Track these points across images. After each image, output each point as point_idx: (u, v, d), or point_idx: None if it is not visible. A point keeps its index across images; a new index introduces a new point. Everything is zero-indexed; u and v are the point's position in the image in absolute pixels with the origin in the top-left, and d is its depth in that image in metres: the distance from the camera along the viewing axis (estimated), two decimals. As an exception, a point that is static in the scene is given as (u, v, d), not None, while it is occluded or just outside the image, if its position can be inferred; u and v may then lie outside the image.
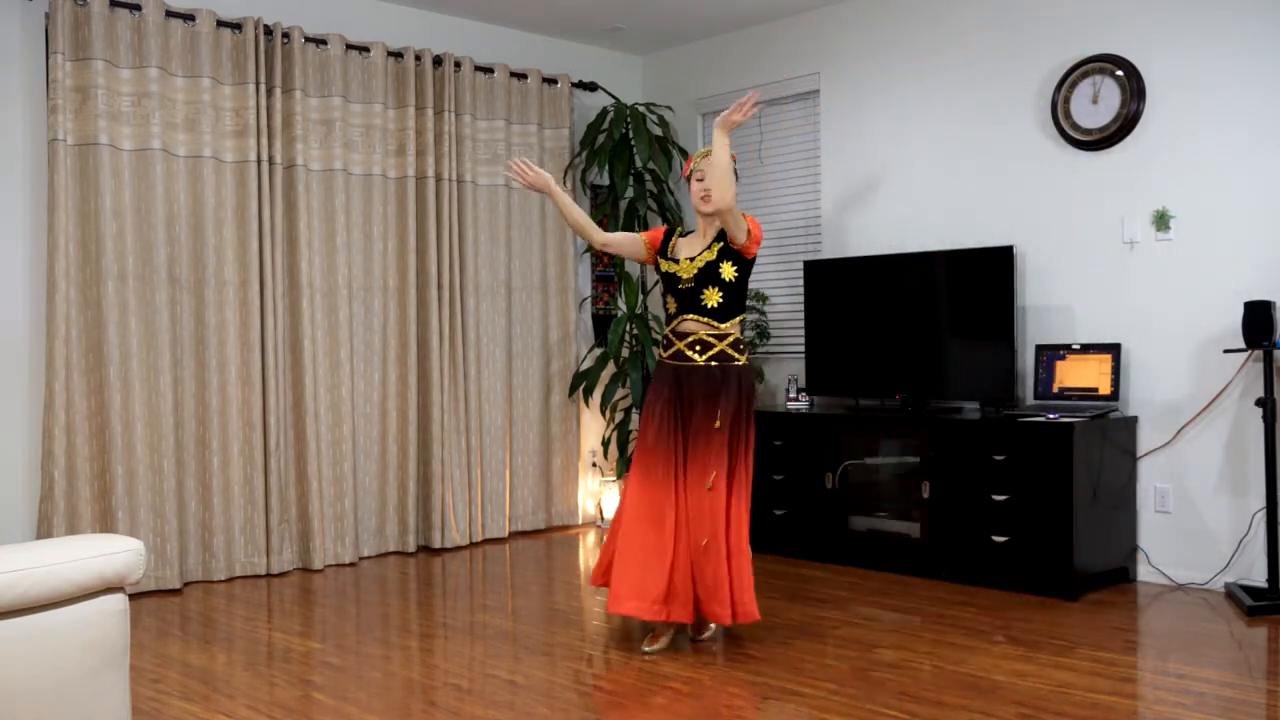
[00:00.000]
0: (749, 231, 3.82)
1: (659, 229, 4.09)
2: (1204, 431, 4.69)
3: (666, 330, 3.97)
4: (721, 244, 3.89)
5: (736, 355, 3.89)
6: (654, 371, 4.02)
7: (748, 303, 6.23)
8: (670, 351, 3.94)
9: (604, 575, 4.02)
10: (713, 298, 3.87)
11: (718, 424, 3.81)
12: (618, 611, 3.78)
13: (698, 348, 3.88)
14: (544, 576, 5.14)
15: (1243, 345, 4.42)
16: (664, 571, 3.77)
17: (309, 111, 5.41)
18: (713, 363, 3.86)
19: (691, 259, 3.91)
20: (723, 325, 3.88)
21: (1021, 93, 5.23)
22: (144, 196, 4.93)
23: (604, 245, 4.09)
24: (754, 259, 3.92)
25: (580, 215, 4.08)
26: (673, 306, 3.96)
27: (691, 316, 3.90)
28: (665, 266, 3.98)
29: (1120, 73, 4.85)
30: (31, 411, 4.77)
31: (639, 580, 3.77)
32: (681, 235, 4.06)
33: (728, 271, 3.87)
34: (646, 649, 3.83)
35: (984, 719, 3.11)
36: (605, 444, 6.50)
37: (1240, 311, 4.52)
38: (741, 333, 3.94)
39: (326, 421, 5.45)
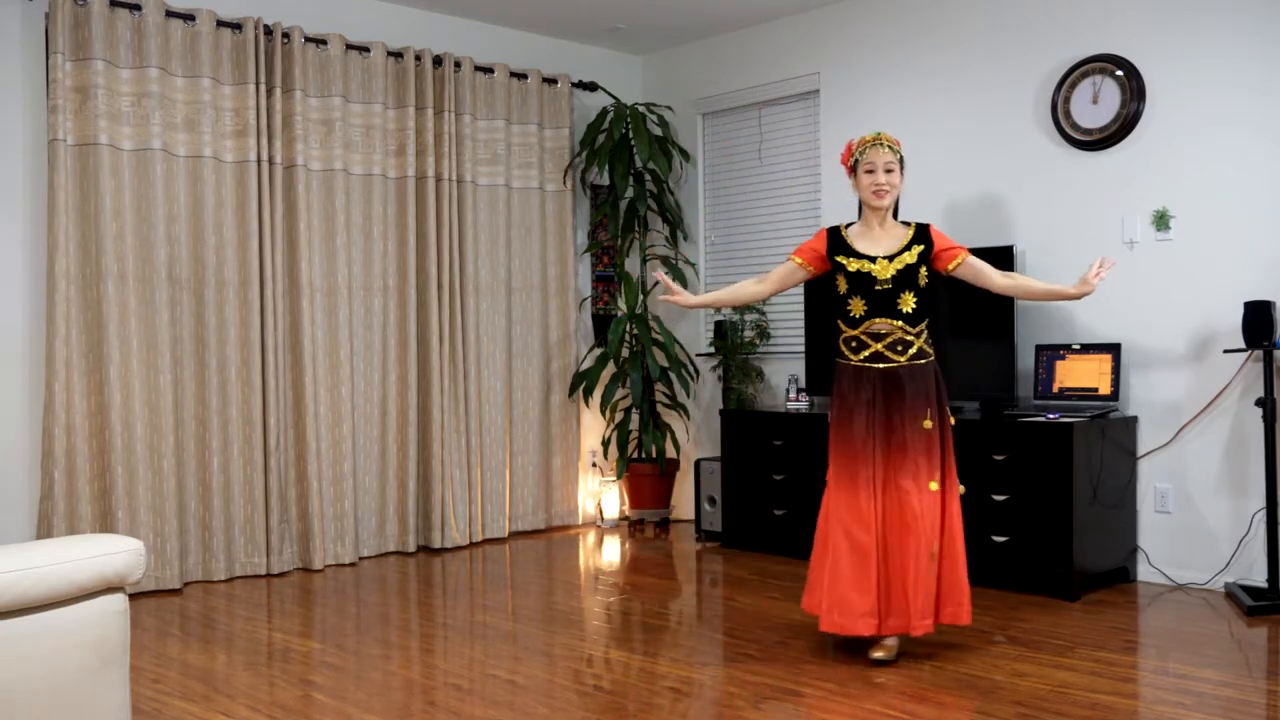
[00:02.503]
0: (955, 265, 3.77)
1: (816, 241, 3.85)
2: (1204, 431, 4.69)
3: (854, 332, 3.75)
4: (922, 247, 3.73)
5: (931, 352, 3.75)
6: (841, 375, 3.79)
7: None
8: (866, 354, 3.73)
9: (817, 600, 3.79)
10: (908, 302, 3.70)
11: (928, 423, 3.67)
12: (831, 629, 3.66)
13: (899, 347, 3.70)
14: (544, 576, 5.14)
15: (1243, 345, 4.42)
16: (876, 582, 3.64)
17: (309, 111, 5.41)
18: (915, 361, 3.70)
19: (889, 259, 3.71)
20: (914, 329, 3.72)
21: (1021, 93, 5.23)
22: (144, 196, 4.93)
23: (772, 293, 3.97)
24: (939, 281, 3.83)
25: (731, 293, 3.99)
26: (860, 309, 3.72)
27: (884, 320, 3.72)
28: (855, 265, 3.73)
29: (1120, 73, 4.85)
30: (31, 411, 4.77)
31: (855, 594, 3.63)
32: (846, 229, 3.84)
33: (923, 277, 3.73)
34: (879, 656, 3.65)
35: (984, 719, 3.11)
36: (605, 444, 6.50)
37: (1240, 311, 4.52)
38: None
39: (326, 421, 5.45)
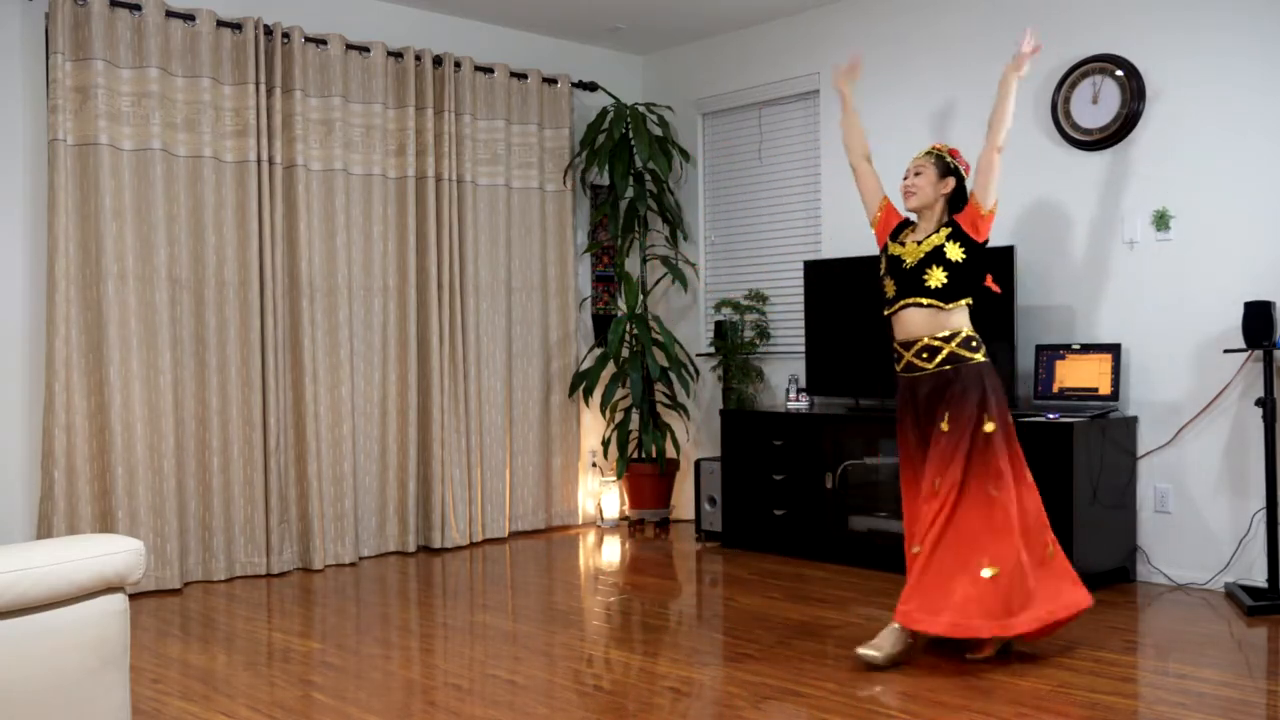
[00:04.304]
0: (995, 205, 3.74)
1: (896, 213, 3.94)
2: (1204, 431, 4.69)
3: (895, 343, 3.82)
4: (951, 229, 3.75)
5: (969, 354, 3.68)
6: (896, 386, 3.88)
7: (747, 302, 6.23)
8: (901, 364, 3.80)
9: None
10: (936, 276, 3.68)
11: (945, 427, 3.65)
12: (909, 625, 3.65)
13: (925, 355, 3.71)
14: (544, 576, 5.14)
15: (1243, 345, 4.42)
16: (913, 587, 3.65)
17: (309, 111, 5.41)
18: (945, 366, 3.68)
19: (919, 243, 3.78)
20: (946, 305, 3.68)
21: (1021, 93, 5.20)
22: (144, 196, 4.93)
23: (863, 174, 4.01)
24: (985, 244, 3.76)
25: (854, 126, 4.04)
26: (891, 289, 3.79)
27: (911, 301, 3.72)
28: (892, 249, 3.84)
29: (1120, 73, 4.85)
30: (31, 411, 4.77)
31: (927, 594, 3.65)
32: (910, 228, 3.92)
33: (954, 252, 3.70)
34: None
35: (984, 719, 3.11)
36: (605, 444, 6.50)
37: (1240, 311, 4.52)
38: (974, 329, 3.77)
39: (326, 421, 5.45)
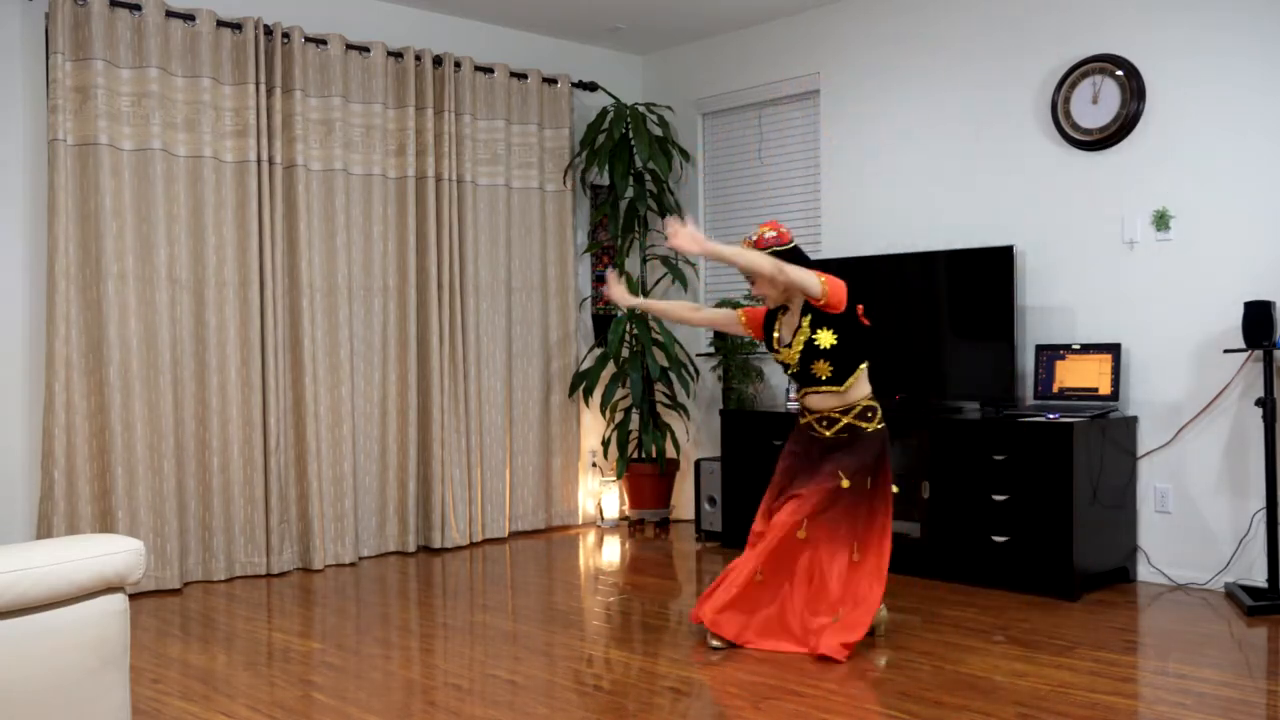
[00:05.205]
0: (824, 287, 3.72)
1: (759, 310, 4.08)
2: (1204, 431, 4.69)
3: (798, 397, 4.02)
4: (810, 315, 3.86)
5: (864, 424, 3.89)
6: (797, 422, 4.09)
7: (747, 302, 6.23)
8: (804, 420, 4.02)
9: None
10: (823, 370, 3.87)
11: (845, 483, 3.84)
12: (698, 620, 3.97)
13: (824, 423, 3.93)
14: (544, 576, 5.15)
15: (1243, 345, 4.42)
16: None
17: (309, 111, 5.41)
18: (842, 435, 3.90)
19: (789, 344, 3.92)
20: (842, 388, 3.86)
21: (1021, 93, 5.23)
22: (144, 196, 4.93)
23: (701, 325, 4.22)
24: (849, 311, 3.83)
25: (665, 308, 4.21)
26: (793, 383, 4.02)
27: (812, 390, 3.92)
28: (775, 356, 4.02)
29: (1120, 73, 4.85)
30: (31, 411, 4.77)
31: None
32: (783, 314, 4.00)
33: (825, 340, 3.82)
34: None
35: (984, 719, 3.11)
36: (605, 444, 6.50)
37: (1240, 311, 4.52)
38: (872, 398, 3.95)
39: (326, 421, 5.45)
